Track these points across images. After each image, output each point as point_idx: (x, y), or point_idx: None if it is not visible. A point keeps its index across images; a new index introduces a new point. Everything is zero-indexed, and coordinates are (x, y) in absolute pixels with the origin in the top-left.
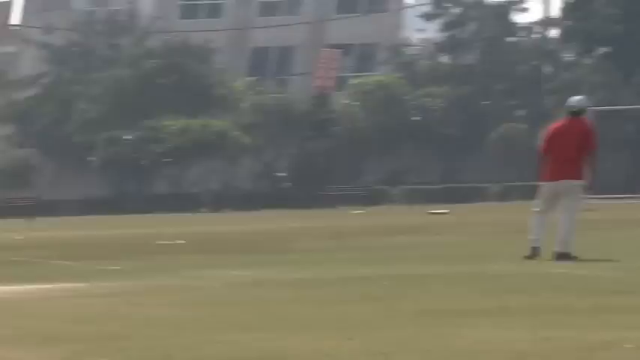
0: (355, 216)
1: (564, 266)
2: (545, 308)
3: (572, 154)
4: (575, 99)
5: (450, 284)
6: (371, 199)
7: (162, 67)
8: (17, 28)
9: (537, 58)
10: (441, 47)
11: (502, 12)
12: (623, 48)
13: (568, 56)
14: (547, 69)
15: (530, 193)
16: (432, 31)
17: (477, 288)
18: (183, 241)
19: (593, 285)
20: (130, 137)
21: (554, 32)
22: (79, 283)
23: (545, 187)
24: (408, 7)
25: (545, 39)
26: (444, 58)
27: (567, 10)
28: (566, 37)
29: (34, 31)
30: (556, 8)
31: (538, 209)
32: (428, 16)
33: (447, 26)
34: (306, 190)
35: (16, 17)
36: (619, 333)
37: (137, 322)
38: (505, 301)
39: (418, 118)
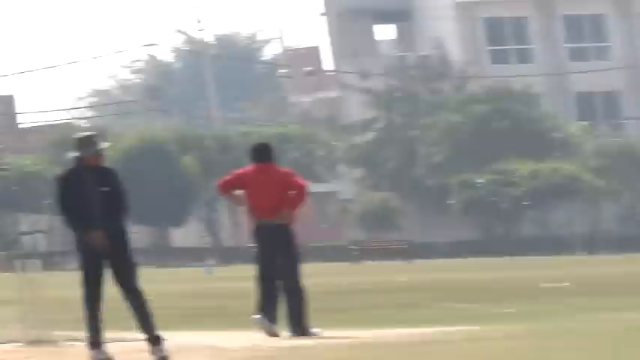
0: None
1: None
2: None
3: None
4: None
5: None
6: None
7: (491, 112)
8: (332, 73)
9: None
10: None
11: None
12: None
13: None
14: None
15: None
16: None
17: None
18: (567, 284)
19: None
20: (482, 181)
21: None
22: (474, 325)
23: None
24: None
25: None
26: None
27: None
28: None
29: (349, 77)
30: None
31: None
32: None
33: None
34: None
35: (328, 62)
36: None
37: None
38: None
39: None
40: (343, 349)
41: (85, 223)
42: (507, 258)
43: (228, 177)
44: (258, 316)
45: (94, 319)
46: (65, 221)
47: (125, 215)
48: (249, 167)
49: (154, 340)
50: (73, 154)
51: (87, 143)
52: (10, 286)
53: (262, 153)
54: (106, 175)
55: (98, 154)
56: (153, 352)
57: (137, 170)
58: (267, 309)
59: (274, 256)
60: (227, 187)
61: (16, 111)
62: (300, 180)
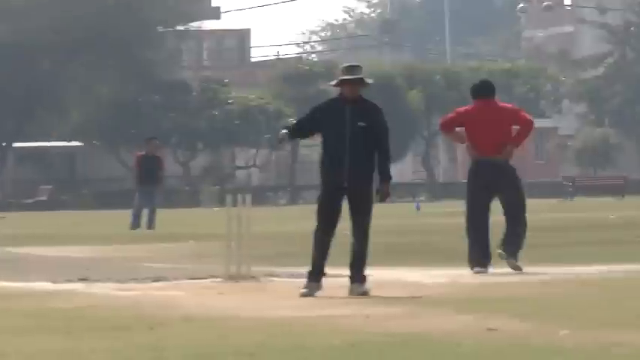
0: None
1: None
2: None
3: None
4: None
5: None
6: None
7: None
8: (570, 8)
9: None
10: None
11: None
12: None
13: None
14: None
15: None
16: None
17: None
18: None
19: None
20: None
21: None
22: None
23: None
24: None
25: None
26: None
27: None
28: None
29: (586, 11)
30: None
31: None
32: None
33: None
34: None
35: None
36: None
37: None
38: None
39: None
40: (536, 285)
41: None
42: None
43: (451, 115)
44: (477, 269)
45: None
46: None
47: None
48: (471, 105)
49: (358, 279)
50: (334, 82)
51: (354, 68)
52: (221, 221)
53: (484, 89)
54: (365, 110)
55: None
56: (352, 290)
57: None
58: (482, 259)
59: (489, 197)
60: (450, 126)
61: (250, 45)
62: (526, 115)
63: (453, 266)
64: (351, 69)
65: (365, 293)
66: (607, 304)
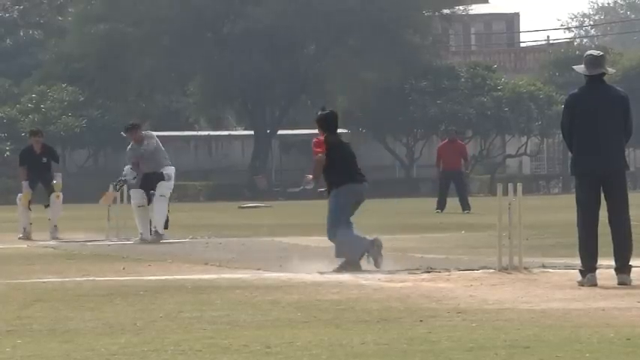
0: None
1: None
2: None
3: None
4: None
5: None
6: None
7: None
8: None
9: None
10: None
11: None
12: None
13: None
14: None
15: None
16: None
17: None
18: None
19: None
20: None
21: None
22: None
23: None
24: None
25: None
26: None
27: None
28: None
29: None
30: None
31: None
32: None
33: None
34: None
35: None
36: None
37: None
38: None
39: None
40: None
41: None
42: None
43: None
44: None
45: (589, 245)
46: (567, 144)
47: (627, 140)
48: None
49: (622, 269)
50: (578, 69)
51: (594, 63)
52: (492, 211)
53: None
54: (614, 98)
55: (601, 76)
56: (619, 279)
57: (636, 91)
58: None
59: None
60: None
61: (519, 29)
62: None
63: None
64: (596, 59)
65: (626, 283)
66: None
